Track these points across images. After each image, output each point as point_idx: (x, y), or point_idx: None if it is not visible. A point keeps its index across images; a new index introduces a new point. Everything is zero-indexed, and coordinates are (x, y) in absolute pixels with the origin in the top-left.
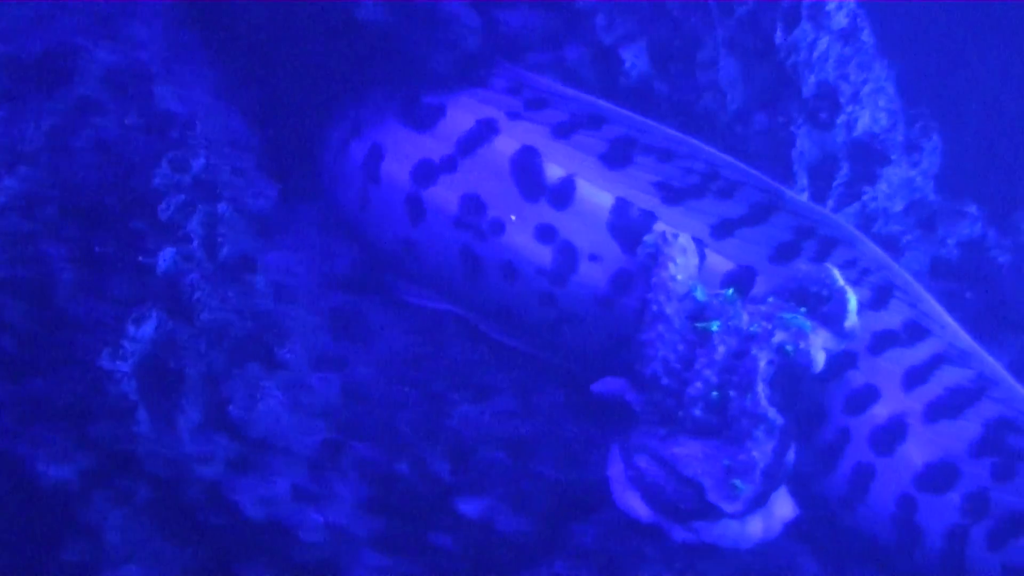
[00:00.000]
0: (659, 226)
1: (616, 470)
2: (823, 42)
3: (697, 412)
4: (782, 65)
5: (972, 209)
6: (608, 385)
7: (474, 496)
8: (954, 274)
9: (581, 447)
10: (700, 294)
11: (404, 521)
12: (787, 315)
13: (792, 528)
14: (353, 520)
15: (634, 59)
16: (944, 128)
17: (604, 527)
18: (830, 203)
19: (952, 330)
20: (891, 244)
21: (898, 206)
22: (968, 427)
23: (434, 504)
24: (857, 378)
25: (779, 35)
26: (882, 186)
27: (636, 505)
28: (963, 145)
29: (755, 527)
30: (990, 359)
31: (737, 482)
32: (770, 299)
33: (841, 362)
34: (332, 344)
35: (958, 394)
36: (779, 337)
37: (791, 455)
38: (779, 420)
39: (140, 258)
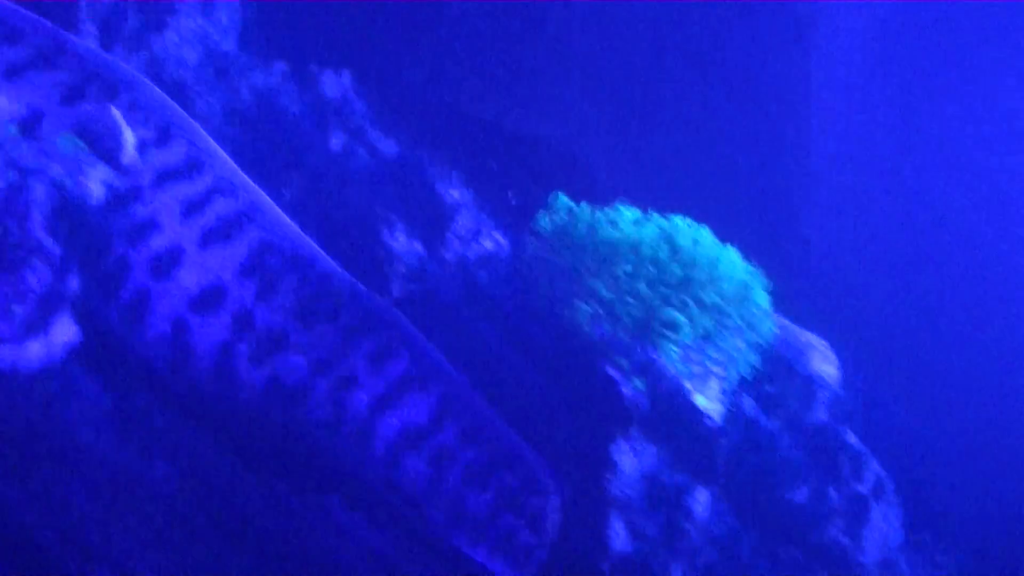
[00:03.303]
0: None
1: None
2: None
3: None
4: None
5: (270, 63)
6: None
7: None
8: (246, 121)
9: None
10: None
11: None
12: (65, 151)
13: (77, 352)
14: None
15: None
16: None
17: None
18: (118, 50)
19: (226, 166)
20: (182, 90)
21: (191, 56)
22: (236, 251)
23: None
24: (140, 211)
25: None
26: (172, 36)
27: None
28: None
29: (34, 351)
30: (259, 191)
31: (13, 307)
32: (55, 138)
33: (126, 196)
34: None
35: (228, 221)
36: (56, 171)
37: (73, 282)
38: (56, 249)
39: None
